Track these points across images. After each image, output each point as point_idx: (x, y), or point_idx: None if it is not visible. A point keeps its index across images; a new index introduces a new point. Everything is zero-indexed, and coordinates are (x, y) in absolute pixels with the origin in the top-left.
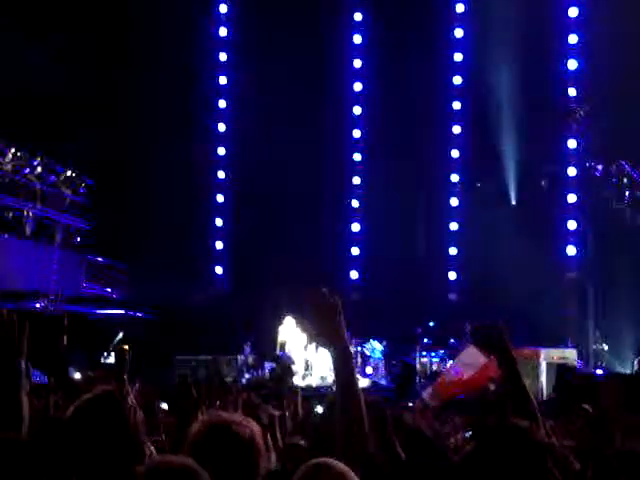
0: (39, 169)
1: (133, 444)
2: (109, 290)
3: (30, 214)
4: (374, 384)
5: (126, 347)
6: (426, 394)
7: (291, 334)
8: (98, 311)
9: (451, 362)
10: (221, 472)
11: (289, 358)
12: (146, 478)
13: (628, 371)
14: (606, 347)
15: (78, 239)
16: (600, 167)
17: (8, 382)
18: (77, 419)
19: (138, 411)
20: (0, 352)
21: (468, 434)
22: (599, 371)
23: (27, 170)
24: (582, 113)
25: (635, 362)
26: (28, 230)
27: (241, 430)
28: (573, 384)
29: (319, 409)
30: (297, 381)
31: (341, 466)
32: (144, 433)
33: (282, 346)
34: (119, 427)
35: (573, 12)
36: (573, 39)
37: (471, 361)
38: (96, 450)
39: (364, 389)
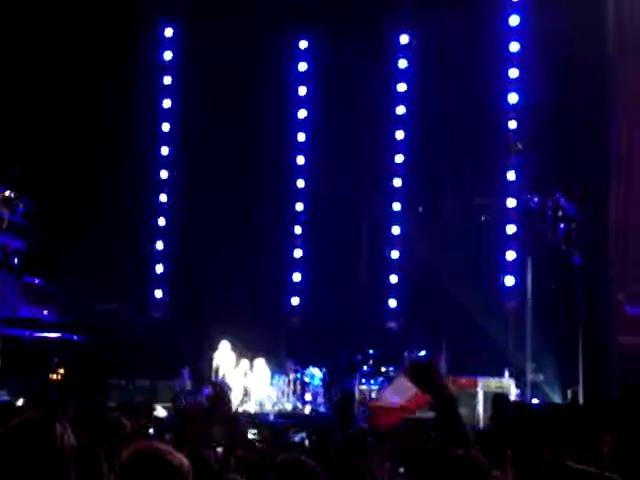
0: None
1: (61, 471)
2: (46, 312)
3: None
4: (313, 411)
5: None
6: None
7: (226, 359)
8: (34, 334)
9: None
10: None
11: (225, 384)
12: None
13: (559, 401)
14: (542, 377)
15: (15, 260)
16: (536, 199)
17: None
18: (2, 444)
19: (69, 437)
20: None
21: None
22: (535, 401)
23: None
24: (520, 146)
25: (569, 392)
26: None
27: (172, 459)
28: (509, 414)
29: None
30: (235, 407)
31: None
32: (71, 460)
33: (216, 371)
34: (46, 453)
35: (514, 47)
36: (514, 73)
37: (403, 389)
38: (22, 475)
39: (306, 416)
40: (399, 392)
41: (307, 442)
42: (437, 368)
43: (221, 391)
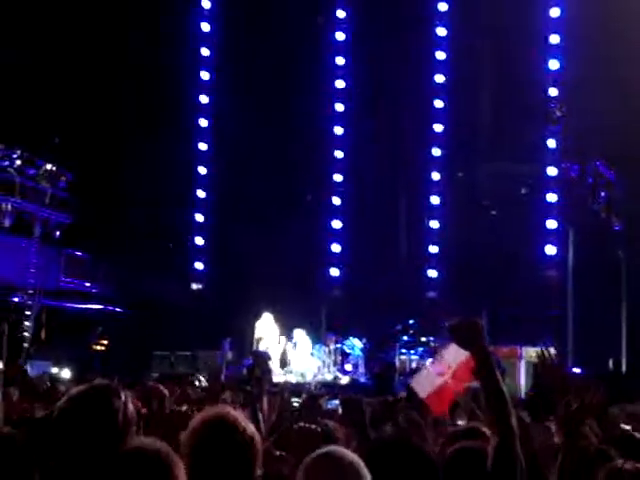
0: (18, 162)
1: (122, 438)
2: (88, 285)
3: (9, 207)
4: (353, 381)
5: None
6: (424, 396)
7: (268, 330)
8: (76, 305)
9: (430, 360)
10: (221, 468)
11: (265, 354)
12: (122, 463)
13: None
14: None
15: (57, 233)
16: (576, 167)
17: None
18: (67, 411)
19: (130, 406)
20: None
21: None
22: (577, 370)
23: (6, 163)
24: (560, 113)
25: (610, 361)
26: (7, 223)
27: (241, 425)
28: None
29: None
30: (276, 377)
31: (351, 455)
32: (134, 428)
33: (258, 342)
34: (108, 421)
35: (555, 12)
36: (555, 39)
37: (453, 355)
38: (84, 442)
39: (344, 386)
40: (448, 361)
41: (340, 410)
42: (483, 331)
43: (261, 361)
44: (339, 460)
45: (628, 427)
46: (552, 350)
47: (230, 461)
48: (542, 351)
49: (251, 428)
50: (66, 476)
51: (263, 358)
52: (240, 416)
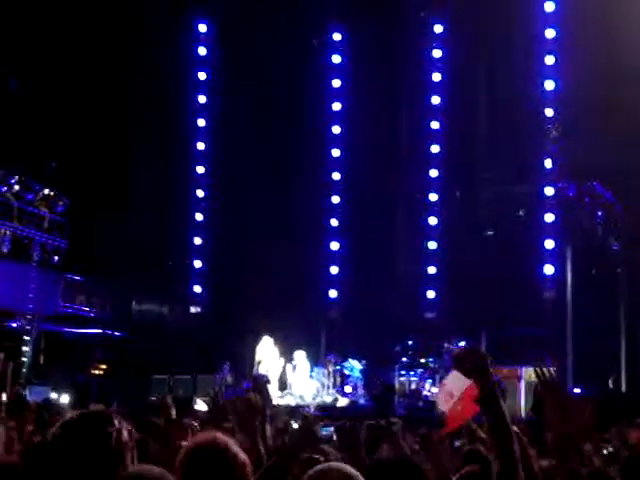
0: (16, 187)
1: (115, 465)
2: (86, 309)
3: (7, 232)
4: (352, 403)
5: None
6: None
7: (268, 353)
8: (75, 330)
9: (429, 383)
10: None
11: (264, 377)
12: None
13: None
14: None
15: (56, 258)
16: (573, 187)
17: None
18: (59, 437)
19: (124, 432)
20: None
21: None
22: (577, 390)
23: (4, 188)
24: (557, 133)
25: (610, 380)
26: (5, 249)
27: (230, 452)
28: None
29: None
30: (275, 400)
31: (350, 469)
32: (129, 455)
33: (258, 365)
34: (100, 447)
35: (550, 33)
36: (550, 60)
37: (455, 386)
38: (76, 469)
39: (343, 408)
40: (452, 390)
41: (335, 437)
42: (487, 359)
43: (261, 385)
44: (340, 473)
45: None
46: (550, 369)
47: None
48: (541, 369)
49: (242, 454)
50: None
51: (262, 382)
52: (230, 441)
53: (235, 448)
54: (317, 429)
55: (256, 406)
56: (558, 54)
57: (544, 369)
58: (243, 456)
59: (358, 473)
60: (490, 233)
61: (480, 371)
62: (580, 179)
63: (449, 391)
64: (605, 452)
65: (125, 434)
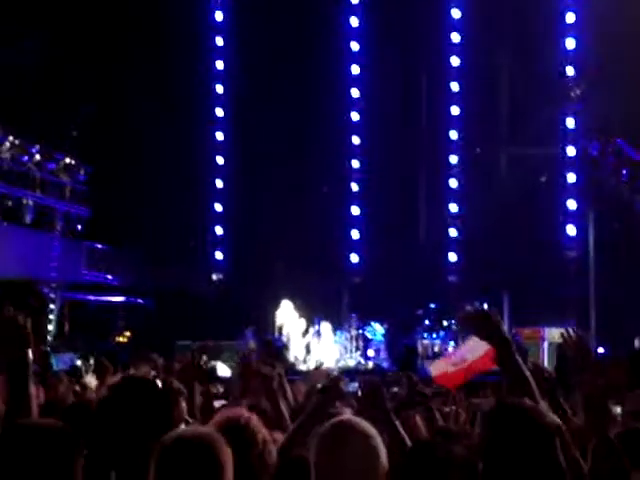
0: (37, 157)
1: (170, 426)
2: (109, 277)
3: (29, 202)
4: (376, 366)
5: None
6: (434, 375)
7: (289, 318)
8: (99, 298)
9: (452, 348)
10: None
11: (281, 341)
12: (169, 448)
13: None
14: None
15: (78, 226)
16: (597, 145)
17: (17, 374)
18: (113, 399)
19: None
20: (9, 346)
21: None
22: (601, 350)
23: (26, 158)
24: (579, 92)
25: (636, 340)
26: (28, 218)
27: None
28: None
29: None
30: (300, 365)
31: (364, 424)
32: (183, 416)
33: (280, 330)
34: (157, 408)
35: None
36: (571, 18)
37: (474, 348)
38: (129, 430)
39: (366, 371)
40: (470, 352)
41: (359, 392)
42: (497, 317)
43: (272, 349)
44: (353, 428)
45: None
46: (577, 331)
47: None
48: (566, 330)
49: (263, 432)
50: (110, 465)
51: (276, 347)
52: (254, 419)
53: (258, 426)
54: (343, 385)
55: (267, 375)
56: (579, 11)
57: (571, 332)
58: (264, 433)
59: (371, 427)
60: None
61: (493, 331)
62: (604, 138)
63: (462, 356)
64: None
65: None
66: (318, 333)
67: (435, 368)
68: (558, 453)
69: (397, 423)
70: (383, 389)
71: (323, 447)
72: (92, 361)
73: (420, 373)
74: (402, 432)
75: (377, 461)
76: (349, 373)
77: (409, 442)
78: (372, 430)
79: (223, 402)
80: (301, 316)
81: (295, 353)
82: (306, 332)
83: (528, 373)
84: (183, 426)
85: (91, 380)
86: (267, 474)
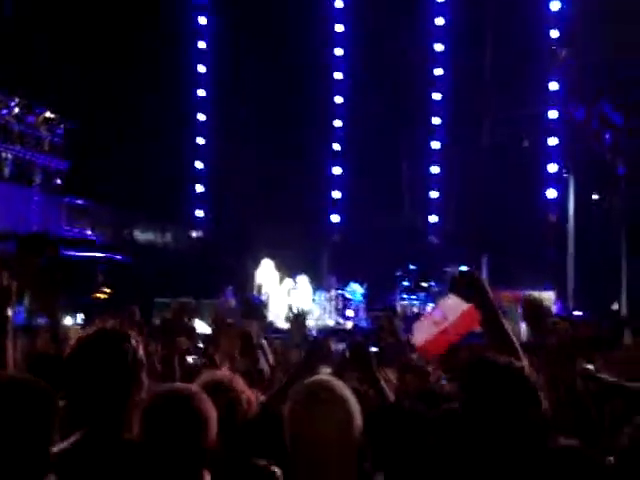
0: (17, 110)
1: (134, 380)
2: (89, 232)
3: (8, 155)
4: (355, 326)
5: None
6: (416, 342)
7: (268, 277)
8: (78, 254)
9: (430, 306)
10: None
11: (260, 300)
12: (151, 405)
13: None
14: (616, 306)
15: (58, 181)
16: (581, 109)
17: None
18: (80, 352)
19: (140, 348)
20: None
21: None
22: (578, 313)
23: (5, 111)
24: (564, 54)
25: (614, 304)
26: (7, 172)
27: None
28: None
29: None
30: (280, 324)
31: (340, 385)
32: (144, 370)
33: (259, 289)
34: (120, 362)
35: None
36: None
37: (453, 307)
38: (97, 383)
39: (346, 330)
40: (448, 310)
41: (347, 353)
42: (483, 280)
43: (252, 307)
44: (327, 387)
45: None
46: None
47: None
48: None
49: (246, 392)
50: (82, 417)
51: (255, 304)
52: (236, 379)
53: (241, 386)
54: (330, 344)
55: (245, 332)
56: None
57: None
58: (248, 393)
59: (346, 388)
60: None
61: (478, 292)
62: (589, 101)
63: (442, 314)
64: None
65: (141, 351)
66: (296, 291)
67: (417, 331)
68: (542, 407)
69: (382, 383)
70: (370, 352)
71: (297, 406)
72: (69, 317)
73: (398, 333)
74: (387, 391)
75: (351, 423)
76: (329, 332)
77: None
78: (347, 391)
79: (194, 357)
80: (281, 275)
81: (275, 311)
82: (286, 291)
83: (514, 338)
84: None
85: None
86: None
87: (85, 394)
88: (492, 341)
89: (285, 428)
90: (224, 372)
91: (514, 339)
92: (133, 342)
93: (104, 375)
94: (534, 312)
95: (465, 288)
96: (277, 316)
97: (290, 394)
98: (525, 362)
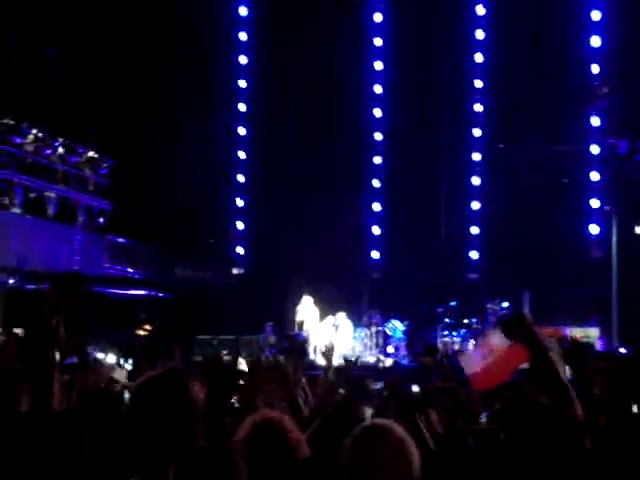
0: (61, 150)
1: (194, 425)
2: (131, 270)
3: (52, 195)
4: (396, 364)
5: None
6: (468, 372)
7: (309, 313)
8: (120, 291)
9: (472, 343)
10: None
11: (302, 337)
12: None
13: None
14: None
15: (101, 220)
16: (624, 144)
17: (42, 373)
18: (140, 395)
19: (200, 393)
20: (36, 344)
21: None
22: (623, 350)
23: (49, 151)
24: (605, 90)
25: None
26: (51, 211)
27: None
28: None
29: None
30: (319, 360)
31: (400, 430)
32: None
33: (300, 325)
34: (182, 407)
35: None
36: (596, 15)
37: (499, 341)
38: (157, 427)
39: (386, 368)
40: (492, 347)
41: (385, 392)
42: (529, 321)
43: (297, 343)
44: (388, 432)
45: None
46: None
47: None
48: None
49: (296, 432)
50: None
51: (300, 341)
52: (286, 419)
53: (290, 425)
54: (369, 383)
55: (285, 376)
56: (605, 8)
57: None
58: (297, 433)
59: (403, 430)
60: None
61: (529, 338)
62: (632, 136)
63: (489, 344)
64: None
65: (201, 393)
66: (337, 329)
67: (467, 363)
68: (585, 446)
69: (420, 422)
70: (406, 390)
71: (357, 449)
72: (113, 355)
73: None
74: (425, 431)
75: (410, 464)
76: (369, 370)
77: (431, 442)
78: (404, 433)
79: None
80: (322, 312)
81: (316, 348)
82: (327, 328)
83: (564, 376)
84: None
85: (120, 374)
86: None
87: (146, 438)
88: (543, 384)
89: (344, 471)
90: (274, 411)
91: (565, 381)
92: (195, 389)
93: (169, 419)
94: (576, 353)
95: (514, 330)
96: (318, 353)
97: (349, 440)
98: (577, 405)
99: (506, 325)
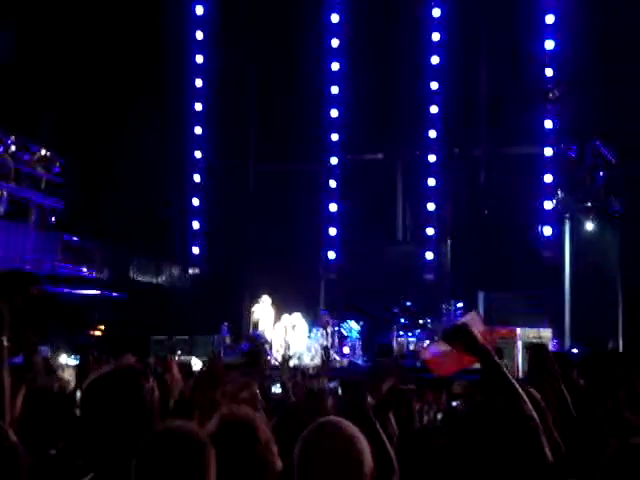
0: (13, 148)
1: (147, 422)
2: (84, 270)
3: (4, 193)
4: (351, 364)
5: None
6: (425, 357)
7: (265, 314)
8: (73, 291)
9: (427, 343)
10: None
11: (262, 337)
12: (151, 442)
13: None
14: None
15: (53, 219)
16: (575, 147)
17: None
18: (93, 391)
19: (155, 390)
20: None
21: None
22: (575, 350)
23: (1, 149)
24: (557, 93)
25: (610, 341)
26: (2, 209)
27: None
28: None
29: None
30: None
31: (350, 427)
32: (158, 412)
33: (255, 326)
34: (135, 403)
35: None
36: (550, 19)
37: (445, 348)
38: (109, 425)
39: (341, 369)
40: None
41: (340, 391)
42: (473, 333)
43: (259, 344)
44: (337, 429)
45: None
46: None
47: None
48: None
49: (267, 431)
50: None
51: (260, 342)
52: (258, 417)
53: (262, 424)
54: (323, 381)
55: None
56: (558, 12)
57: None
58: (267, 432)
59: (356, 429)
60: (486, 212)
61: (473, 346)
62: (582, 139)
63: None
64: None
65: (157, 391)
66: (293, 329)
67: (427, 351)
68: (544, 447)
69: (377, 425)
70: (366, 392)
71: (307, 446)
72: (64, 355)
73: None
74: (382, 434)
75: (362, 463)
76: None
77: (389, 446)
78: (356, 430)
79: None
80: (277, 312)
81: (274, 349)
82: (283, 328)
83: (512, 379)
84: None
85: (68, 374)
86: (270, 473)
87: (100, 436)
88: (492, 386)
89: (295, 468)
90: (245, 408)
91: (516, 384)
92: (151, 381)
93: (122, 417)
94: (542, 363)
95: (462, 342)
96: (275, 353)
97: (300, 437)
98: (527, 403)
99: (447, 338)
